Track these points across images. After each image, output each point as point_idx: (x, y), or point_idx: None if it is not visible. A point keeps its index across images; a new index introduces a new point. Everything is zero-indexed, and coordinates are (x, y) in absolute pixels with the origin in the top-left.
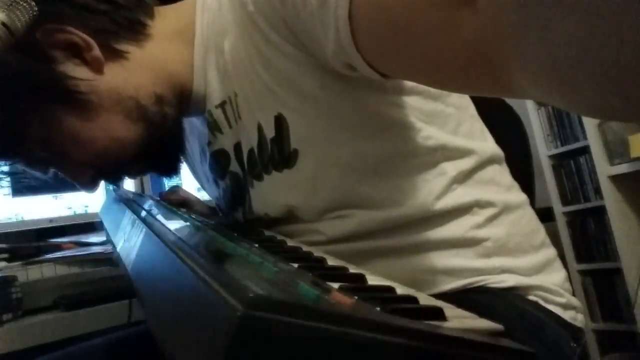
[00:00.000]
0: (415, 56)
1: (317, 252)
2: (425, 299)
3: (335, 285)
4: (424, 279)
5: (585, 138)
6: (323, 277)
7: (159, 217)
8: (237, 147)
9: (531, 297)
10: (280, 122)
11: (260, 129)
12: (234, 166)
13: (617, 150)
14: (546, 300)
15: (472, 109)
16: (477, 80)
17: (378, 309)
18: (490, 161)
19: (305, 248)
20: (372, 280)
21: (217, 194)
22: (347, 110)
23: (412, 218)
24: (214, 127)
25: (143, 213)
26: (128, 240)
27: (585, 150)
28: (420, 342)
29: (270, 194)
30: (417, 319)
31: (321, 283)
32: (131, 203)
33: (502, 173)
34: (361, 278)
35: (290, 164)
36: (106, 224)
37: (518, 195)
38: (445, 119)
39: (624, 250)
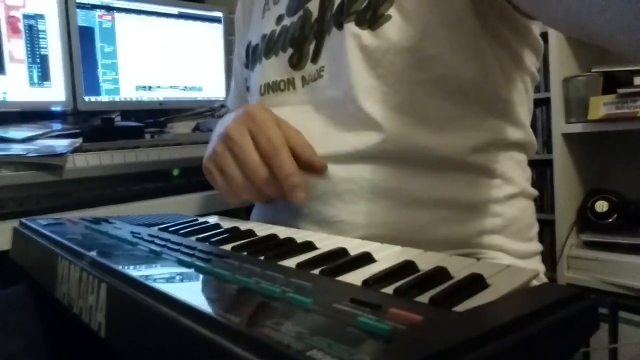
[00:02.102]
0: None
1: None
2: (442, 260)
3: (355, 278)
4: (425, 238)
5: (548, 90)
6: (333, 272)
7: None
8: None
9: None
10: None
11: None
12: (314, 5)
13: (575, 109)
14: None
15: (531, 102)
16: None
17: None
18: (525, 147)
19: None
20: (372, 248)
21: (266, 30)
22: (468, 25)
23: (447, 157)
24: None
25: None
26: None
27: (545, 102)
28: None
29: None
30: (468, 297)
31: (368, 304)
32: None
33: (527, 164)
34: (368, 257)
35: (374, 25)
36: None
37: (532, 188)
38: (522, 89)
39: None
